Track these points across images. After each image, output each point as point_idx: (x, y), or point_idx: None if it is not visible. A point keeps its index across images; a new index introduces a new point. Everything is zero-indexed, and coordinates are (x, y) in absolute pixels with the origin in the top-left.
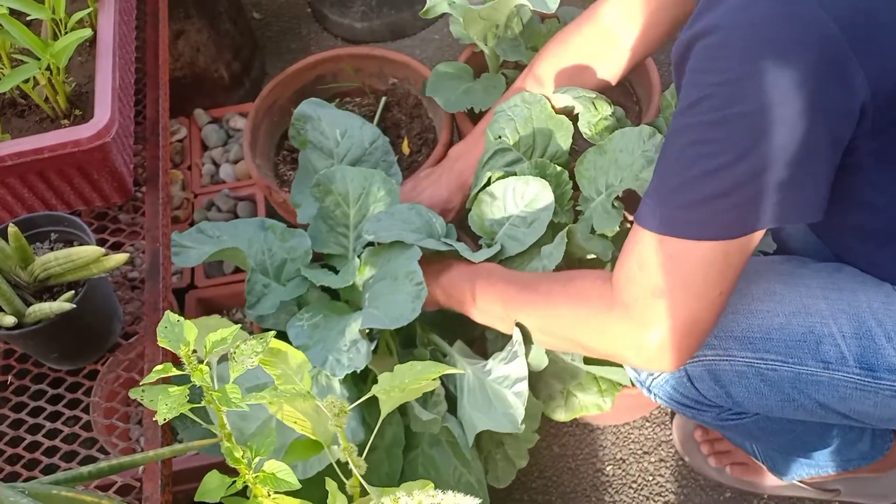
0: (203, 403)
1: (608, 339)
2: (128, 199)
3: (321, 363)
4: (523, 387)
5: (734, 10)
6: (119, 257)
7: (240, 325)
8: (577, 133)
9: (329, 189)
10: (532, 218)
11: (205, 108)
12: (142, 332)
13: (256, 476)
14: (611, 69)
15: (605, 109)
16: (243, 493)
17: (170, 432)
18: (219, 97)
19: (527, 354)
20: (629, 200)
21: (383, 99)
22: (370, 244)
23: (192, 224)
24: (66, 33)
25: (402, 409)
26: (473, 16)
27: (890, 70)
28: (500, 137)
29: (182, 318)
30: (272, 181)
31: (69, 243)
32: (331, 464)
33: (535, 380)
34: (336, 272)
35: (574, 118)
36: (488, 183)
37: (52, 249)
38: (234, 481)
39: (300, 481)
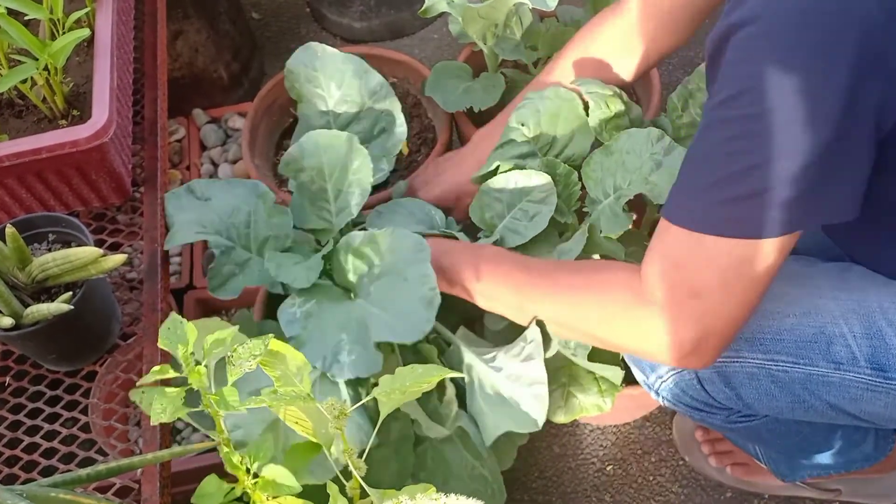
0: (200, 407)
1: (638, 338)
2: (126, 199)
3: (318, 362)
4: (543, 390)
5: (774, 1)
6: (117, 258)
7: (238, 327)
8: None
9: (300, 166)
10: (534, 212)
11: (203, 108)
12: (140, 332)
13: (255, 482)
14: (631, 64)
15: (618, 107)
16: (241, 499)
17: (169, 434)
18: (217, 97)
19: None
20: (633, 202)
21: None
22: (361, 223)
23: None
24: (63, 33)
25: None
26: (472, 15)
27: None
28: (522, 125)
29: (185, 320)
30: (271, 181)
31: (67, 244)
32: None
33: None
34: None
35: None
36: (495, 172)
37: (50, 250)
38: (233, 488)
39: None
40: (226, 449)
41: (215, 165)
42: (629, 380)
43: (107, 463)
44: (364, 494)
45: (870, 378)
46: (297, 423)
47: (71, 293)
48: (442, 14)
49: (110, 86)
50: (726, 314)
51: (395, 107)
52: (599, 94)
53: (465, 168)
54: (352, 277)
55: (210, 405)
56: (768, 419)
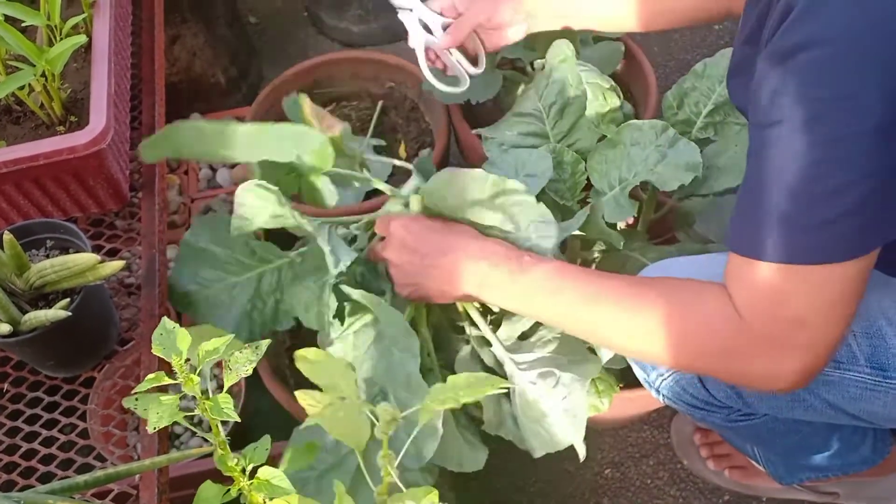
0: (196, 412)
1: (742, 372)
2: (124, 205)
3: None
4: (581, 424)
5: (841, 22)
6: (115, 264)
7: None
8: None
9: None
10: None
11: (202, 112)
12: (138, 338)
13: (251, 483)
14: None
15: (615, 101)
16: (237, 501)
17: (167, 439)
18: (216, 102)
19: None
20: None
21: (380, 103)
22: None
23: (189, 229)
24: (61, 39)
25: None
26: None
27: None
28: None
29: (178, 326)
30: None
31: (65, 250)
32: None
33: None
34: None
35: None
36: None
37: (47, 256)
38: (228, 489)
39: None
40: (220, 452)
41: (213, 170)
42: (626, 381)
43: (105, 469)
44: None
45: (869, 377)
46: (336, 426)
47: (69, 299)
48: None
49: (108, 92)
50: (831, 336)
51: None
52: (598, 84)
53: None
54: None
55: (206, 411)
56: (768, 418)
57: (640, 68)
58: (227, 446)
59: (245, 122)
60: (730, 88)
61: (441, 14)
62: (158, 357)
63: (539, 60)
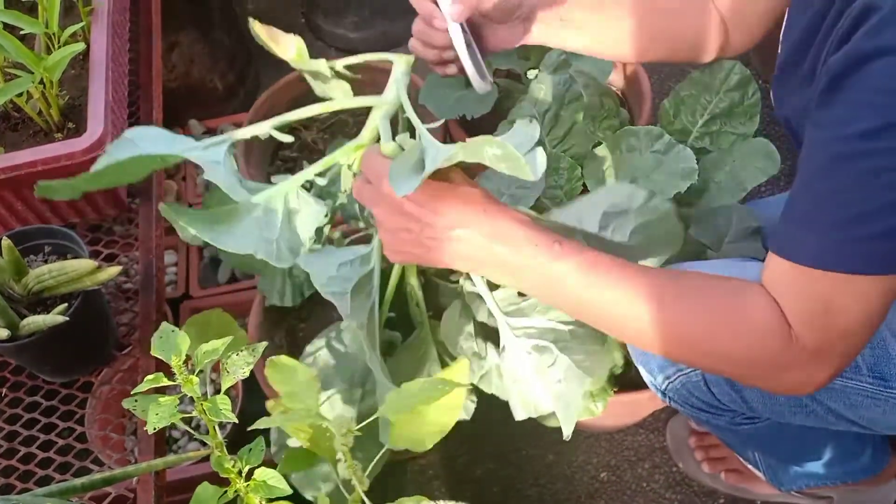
0: (193, 413)
1: (775, 378)
2: (122, 211)
3: None
4: (571, 416)
5: None
6: (112, 270)
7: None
8: None
9: None
10: None
11: (199, 118)
12: (135, 343)
13: (247, 485)
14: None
15: (611, 106)
16: (234, 503)
17: (163, 443)
18: (213, 108)
19: None
20: None
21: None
22: None
23: None
24: (59, 47)
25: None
26: None
27: None
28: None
29: (176, 328)
30: None
31: (63, 256)
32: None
33: None
34: None
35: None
36: None
37: (46, 262)
38: (225, 491)
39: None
40: (217, 453)
41: None
42: (621, 385)
43: (102, 472)
44: None
45: (871, 386)
46: (302, 435)
47: (67, 304)
48: None
49: (105, 99)
50: (862, 347)
51: None
52: (594, 91)
53: None
54: None
55: (203, 412)
56: (771, 422)
57: (635, 74)
58: (224, 448)
59: None
60: (776, 97)
61: None
62: (156, 362)
63: (533, 70)
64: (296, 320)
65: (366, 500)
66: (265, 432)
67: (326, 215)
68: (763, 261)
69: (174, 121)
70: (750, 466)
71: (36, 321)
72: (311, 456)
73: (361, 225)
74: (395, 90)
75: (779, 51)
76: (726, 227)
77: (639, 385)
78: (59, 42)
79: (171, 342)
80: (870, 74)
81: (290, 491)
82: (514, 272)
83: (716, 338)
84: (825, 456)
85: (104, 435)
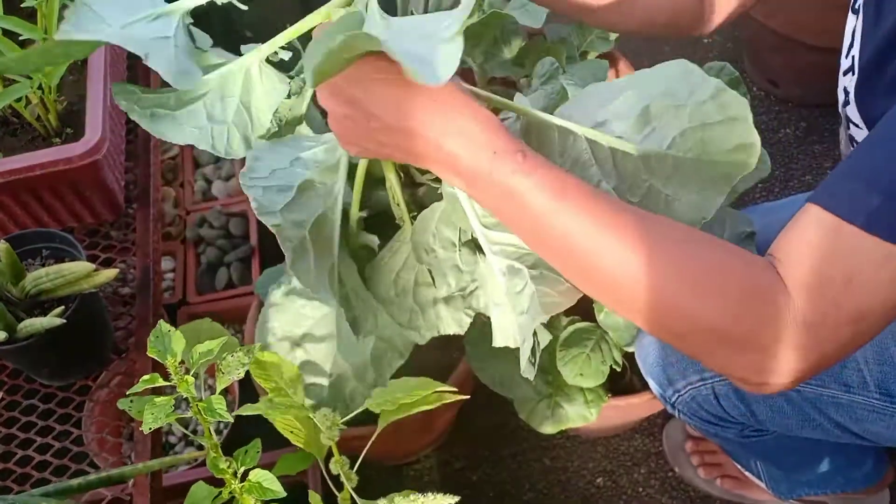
0: (190, 414)
1: (746, 349)
2: (119, 215)
3: None
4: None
5: None
6: (109, 273)
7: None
8: None
9: None
10: None
11: None
12: (133, 347)
13: (242, 486)
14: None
15: None
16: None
17: (159, 446)
18: None
19: None
20: None
21: None
22: None
23: (184, 241)
24: None
25: None
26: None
27: None
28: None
29: (173, 329)
30: None
31: (61, 259)
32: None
33: (508, 378)
34: None
35: None
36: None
37: (43, 265)
38: (220, 492)
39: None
40: (213, 454)
41: (209, 182)
42: (614, 391)
43: (98, 473)
44: None
45: (877, 402)
46: (291, 432)
47: (64, 307)
48: None
49: (103, 104)
50: (859, 346)
51: None
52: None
53: None
54: None
55: (198, 413)
56: (778, 435)
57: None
58: (220, 449)
59: None
60: (859, 99)
61: None
62: (153, 365)
63: (525, 79)
64: None
65: (354, 496)
66: (260, 435)
67: (289, 96)
68: None
69: None
70: (749, 475)
71: (33, 324)
72: (307, 457)
73: None
74: None
75: (846, 61)
76: (720, 231)
77: (634, 389)
78: None
79: (166, 342)
80: None
81: (284, 493)
82: (469, 180)
83: (704, 288)
84: (828, 466)
85: (101, 438)
